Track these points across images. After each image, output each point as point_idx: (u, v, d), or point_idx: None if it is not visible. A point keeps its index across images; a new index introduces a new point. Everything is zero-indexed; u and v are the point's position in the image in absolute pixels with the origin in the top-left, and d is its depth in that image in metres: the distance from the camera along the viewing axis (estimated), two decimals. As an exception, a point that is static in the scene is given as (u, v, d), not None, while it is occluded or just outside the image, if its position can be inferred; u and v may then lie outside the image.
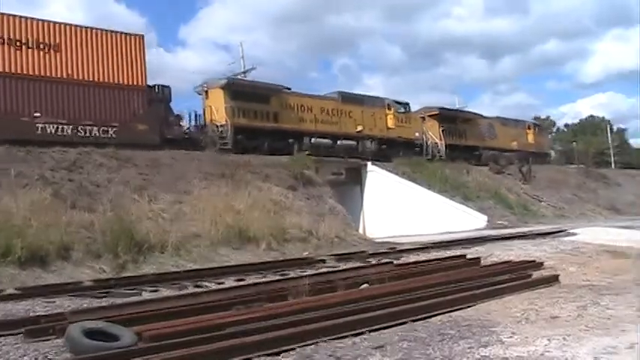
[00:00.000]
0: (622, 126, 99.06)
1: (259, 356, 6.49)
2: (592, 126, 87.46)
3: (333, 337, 7.17)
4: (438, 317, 8.37)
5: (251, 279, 14.18)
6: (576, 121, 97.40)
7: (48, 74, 24.87)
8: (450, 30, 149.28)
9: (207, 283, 13.67)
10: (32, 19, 25.18)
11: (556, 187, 44.73)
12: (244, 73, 37.60)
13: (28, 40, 24.57)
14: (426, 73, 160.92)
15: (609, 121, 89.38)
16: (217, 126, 30.74)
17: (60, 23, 25.96)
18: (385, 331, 7.57)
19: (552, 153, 57.85)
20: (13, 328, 8.27)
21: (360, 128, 37.37)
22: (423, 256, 17.38)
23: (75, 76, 25.59)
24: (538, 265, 13.57)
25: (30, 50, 24.52)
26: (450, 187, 35.08)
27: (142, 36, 28.63)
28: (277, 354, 6.62)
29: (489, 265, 13.99)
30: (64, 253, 16.71)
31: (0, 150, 21.14)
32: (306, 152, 31.08)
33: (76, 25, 26.60)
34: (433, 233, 28.14)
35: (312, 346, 6.85)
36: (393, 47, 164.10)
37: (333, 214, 26.83)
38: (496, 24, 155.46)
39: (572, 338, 6.56)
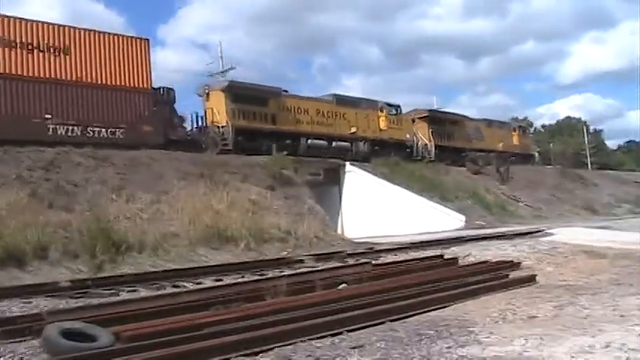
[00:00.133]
0: (598, 127, 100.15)
1: (237, 356, 6.46)
2: (569, 127, 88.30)
3: (312, 337, 7.15)
4: (416, 317, 8.39)
5: (229, 279, 14.14)
6: (553, 122, 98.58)
7: (58, 77, 25.51)
8: (428, 30, 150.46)
9: (185, 283, 13.60)
10: (43, 22, 25.95)
11: (533, 188, 44.98)
12: (223, 72, 37.53)
13: (39, 43, 25.17)
14: (404, 73, 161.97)
15: (586, 122, 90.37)
16: (219, 127, 31.36)
17: (70, 27, 26.84)
18: (363, 331, 7.56)
19: (537, 154, 58.48)
20: (-11, 329, 8.21)
21: (353, 130, 38.20)
22: (401, 256, 17.43)
23: (84, 79, 26.24)
24: (515, 265, 13.64)
25: (41, 53, 25.18)
26: (428, 188, 35.19)
27: (148, 40, 29.43)
28: (255, 354, 6.59)
29: (467, 265, 14.04)
30: (41, 253, 16.62)
31: (-24, 150, 21.01)
32: (289, 154, 31.40)
33: (85, 29, 27.26)
34: (411, 233, 28.23)
35: (291, 347, 6.83)
36: (372, 47, 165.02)
37: (311, 214, 26.82)
38: (474, 24, 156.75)
39: (550, 338, 6.59)
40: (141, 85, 28.26)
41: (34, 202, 19.17)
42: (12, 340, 7.62)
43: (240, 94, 32.91)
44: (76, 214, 19.24)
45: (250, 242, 21.21)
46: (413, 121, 44.19)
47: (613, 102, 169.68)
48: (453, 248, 17.73)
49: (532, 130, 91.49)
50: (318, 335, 7.24)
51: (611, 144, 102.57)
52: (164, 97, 30.20)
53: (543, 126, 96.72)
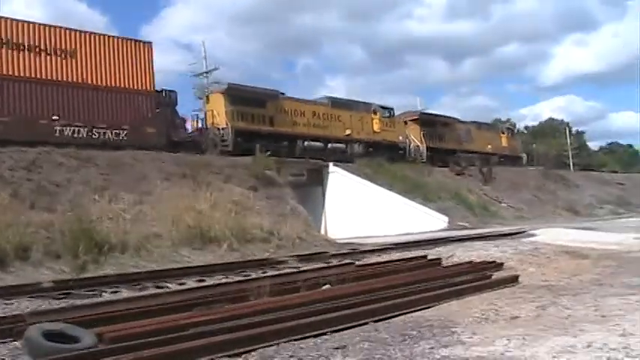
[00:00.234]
0: (581, 129, 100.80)
1: (220, 357, 6.44)
2: (551, 128, 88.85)
3: (295, 337, 7.13)
4: (400, 318, 8.39)
5: (213, 280, 14.11)
6: (536, 123, 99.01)
7: (65, 79, 26.44)
8: (412, 31, 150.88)
9: (168, 284, 13.57)
10: (51, 26, 26.75)
11: (516, 189, 45.27)
12: (207, 73, 37.42)
13: (47, 46, 25.84)
14: (388, 74, 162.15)
15: (568, 123, 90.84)
16: (218, 129, 32.16)
17: (76, 30, 27.52)
18: (347, 331, 7.56)
19: (525, 156, 59.06)
20: (-30, 331, 8.15)
21: (348, 132, 39.25)
22: (384, 257, 17.42)
23: (90, 81, 26.94)
24: (498, 265, 13.67)
25: (49, 56, 25.85)
26: (411, 188, 35.29)
27: (151, 43, 30.31)
28: (239, 355, 6.58)
29: (450, 266, 14.06)
30: (23, 253, 16.51)
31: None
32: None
33: (91, 32, 28.24)
34: (395, 234, 28.31)
35: (274, 347, 6.81)
36: (356, 48, 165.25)
37: (294, 214, 26.82)
38: (458, 26, 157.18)
39: (532, 338, 6.62)
40: (144, 88, 29.01)
41: (15, 203, 19.06)
42: (-6, 342, 7.58)
43: (239, 97, 33.67)
44: (58, 215, 19.14)
45: (233, 243, 21.17)
46: (405, 123, 45.23)
47: (595, 104, 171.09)
48: (436, 249, 17.76)
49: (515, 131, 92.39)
50: (302, 336, 7.22)
51: (593, 145, 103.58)
52: (166, 100, 30.95)
53: (526, 127, 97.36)
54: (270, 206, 26.30)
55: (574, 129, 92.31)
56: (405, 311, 8.71)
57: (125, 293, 12.31)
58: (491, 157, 50.73)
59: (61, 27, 27.03)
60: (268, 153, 30.57)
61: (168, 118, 30.70)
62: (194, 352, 6.45)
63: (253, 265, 16.89)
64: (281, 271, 15.11)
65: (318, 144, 37.60)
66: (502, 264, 13.80)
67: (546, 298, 9.31)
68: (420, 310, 8.90)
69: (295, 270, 15.15)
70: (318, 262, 17.20)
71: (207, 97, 34.22)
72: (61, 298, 11.69)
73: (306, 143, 36.69)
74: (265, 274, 14.38)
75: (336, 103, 40.15)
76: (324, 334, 7.42)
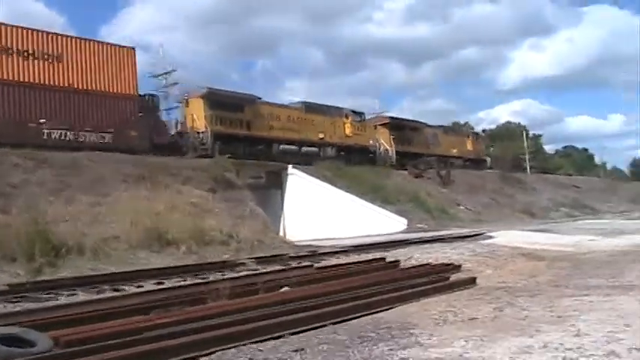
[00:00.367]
0: (537, 132, 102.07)
1: (179, 360, 6.43)
2: (509, 132, 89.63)
3: (254, 340, 7.11)
4: (358, 320, 8.39)
5: (171, 282, 14.01)
6: (493, 126, 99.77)
7: (52, 83, 27.09)
8: (372, 34, 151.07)
9: (126, 287, 13.42)
10: (39, 30, 27.47)
11: (474, 192, 45.69)
12: (166, 74, 37.29)
13: (35, 50, 26.31)
14: (348, 77, 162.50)
15: (525, 127, 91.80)
16: (198, 132, 32.76)
17: (62, 35, 28.48)
18: (306, 334, 7.54)
19: (489, 160, 59.95)
20: None
21: (321, 136, 40.37)
22: (343, 259, 17.48)
23: (76, 85, 27.46)
24: (456, 267, 13.78)
25: (37, 60, 26.34)
26: (370, 191, 35.38)
27: (134, 49, 31.08)
28: (197, 357, 6.55)
29: (409, 268, 14.12)
30: (-24, 256, 16.23)
31: None
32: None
33: (76, 37, 29.21)
34: (354, 236, 28.32)
35: (233, 350, 6.77)
36: (315, 51, 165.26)
37: (253, 217, 26.76)
38: (417, 29, 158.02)
39: (489, 339, 6.66)
40: (128, 92, 29.79)
41: (-32, 204, 18.76)
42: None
43: (217, 101, 34.33)
44: (14, 217, 18.83)
45: (191, 245, 21.01)
46: (375, 127, 46.41)
47: (551, 108, 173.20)
48: (395, 251, 17.83)
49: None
50: (261, 338, 7.21)
51: (550, 149, 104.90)
52: (149, 104, 31.83)
53: (484, 131, 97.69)
54: (228, 208, 26.20)
55: (531, 132, 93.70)
56: (363, 313, 8.72)
57: (82, 296, 12.17)
58: (457, 160, 52.24)
59: (48, 32, 27.70)
60: (227, 156, 30.61)
61: (150, 121, 31.22)
62: (152, 356, 6.40)
63: (212, 268, 16.80)
64: (240, 274, 15.06)
65: (293, 147, 38.15)
66: (460, 266, 13.90)
67: (503, 300, 9.39)
68: (379, 312, 8.92)
69: (254, 272, 15.14)
70: (277, 265, 17.17)
71: (187, 101, 34.53)
72: (16, 302, 11.50)
73: (281, 147, 37.19)
74: (224, 277, 14.30)
75: (310, 107, 41.21)
76: (283, 336, 7.40)
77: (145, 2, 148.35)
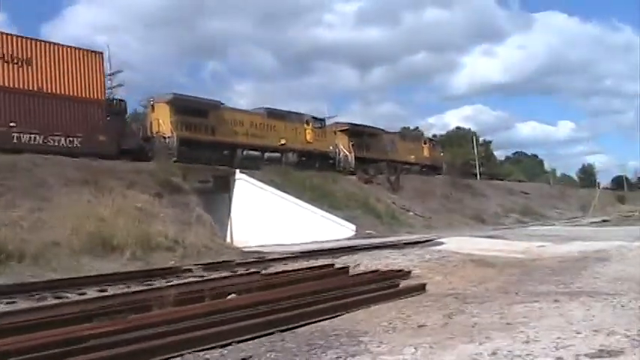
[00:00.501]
0: (488, 138, 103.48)
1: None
2: (459, 137, 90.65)
3: (200, 348, 6.99)
4: (306, 327, 8.29)
5: (115, 289, 13.73)
6: (444, 132, 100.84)
7: (21, 87, 26.95)
8: (322, 38, 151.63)
9: (68, 294, 13.09)
10: (8, 34, 27.60)
11: (424, 197, 46.09)
12: (111, 75, 36.78)
13: (4, 54, 26.51)
14: (297, 80, 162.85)
15: (475, 132, 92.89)
16: (164, 137, 32.84)
17: (31, 39, 28.50)
18: (253, 341, 7.43)
19: (444, 166, 60.62)
20: None
21: (283, 141, 40.92)
22: (291, 266, 17.33)
23: (45, 89, 27.75)
24: (406, 274, 13.71)
25: (6, 64, 26.47)
26: (318, 196, 35.38)
27: (102, 53, 31.53)
28: (141, 367, 6.40)
29: (357, 275, 14.05)
30: None
31: None
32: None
33: (46, 41, 29.31)
34: (302, 242, 28.25)
35: (178, 359, 6.67)
36: (265, 54, 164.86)
37: (200, 222, 26.51)
38: (367, 34, 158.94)
39: (439, 346, 6.62)
40: (95, 97, 29.92)
41: None
42: None
43: (183, 107, 34.67)
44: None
45: (136, 251, 20.69)
46: (335, 133, 46.92)
47: (502, 114, 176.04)
48: (343, 257, 17.75)
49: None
50: (208, 346, 7.09)
51: (500, 155, 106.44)
52: (117, 108, 32.03)
53: (434, 136, 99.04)
54: (175, 214, 25.92)
55: (481, 138, 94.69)
56: (311, 320, 8.62)
57: (22, 304, 11.81)
58: (413, 166, 53.50)
59: (17, 35, 27.96)
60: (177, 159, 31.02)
61: (118, 126, 31.55)
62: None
63: (157, 274, 16.52)
64: (186, 280, 14.85)
65: (256, 153, 38.76)
66: (409, 272, 13.85)
67: (453, 307, 9.36)
68: (327, 319, 8.82)
69: (200, 279, 14.95)
70: (224, 271, 16.98)
71: (153, 106, 34.55)
72: (-49, 310, 11.14)
73: (245, 152, 37.77)
74: (170, 284, 14.08)
75: (271, 113, 41.80)
76: (230, 344, 7.28)
77: (90, 1, 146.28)
